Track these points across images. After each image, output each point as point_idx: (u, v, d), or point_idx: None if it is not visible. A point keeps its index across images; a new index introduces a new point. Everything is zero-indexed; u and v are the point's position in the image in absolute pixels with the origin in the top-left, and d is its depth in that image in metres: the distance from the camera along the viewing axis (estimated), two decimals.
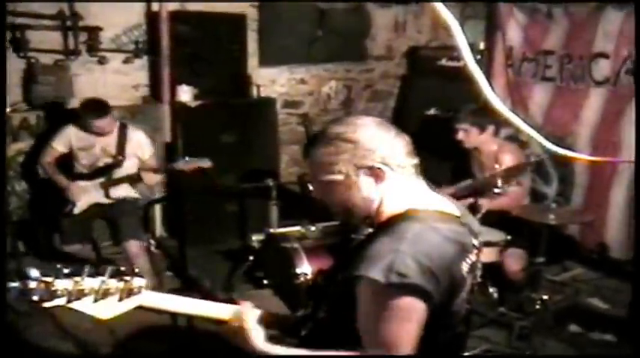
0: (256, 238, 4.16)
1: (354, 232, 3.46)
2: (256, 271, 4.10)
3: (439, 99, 5.40)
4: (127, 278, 1.53)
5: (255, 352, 1.58)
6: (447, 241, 1.51)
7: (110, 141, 4.08)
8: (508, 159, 3.75)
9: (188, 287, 3.91)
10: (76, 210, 3.98)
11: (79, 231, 4.02)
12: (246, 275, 4.17)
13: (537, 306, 3.49)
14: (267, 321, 1.83)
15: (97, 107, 4.00)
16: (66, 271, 1.46)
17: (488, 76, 5.05)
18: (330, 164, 1.60)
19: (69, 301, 1.44)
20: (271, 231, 4.00)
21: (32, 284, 1.42)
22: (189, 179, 3.98)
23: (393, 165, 1.57)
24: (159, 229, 4.97)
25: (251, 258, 4.17)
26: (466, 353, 3.06)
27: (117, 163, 4.08)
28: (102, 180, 4.06)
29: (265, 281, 3.95)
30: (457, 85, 4.88)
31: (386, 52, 6.07)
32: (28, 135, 4.57)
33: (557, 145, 1.72)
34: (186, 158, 3.92)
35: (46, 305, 1.43)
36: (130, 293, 1.52)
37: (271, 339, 1.64)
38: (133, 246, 3.90)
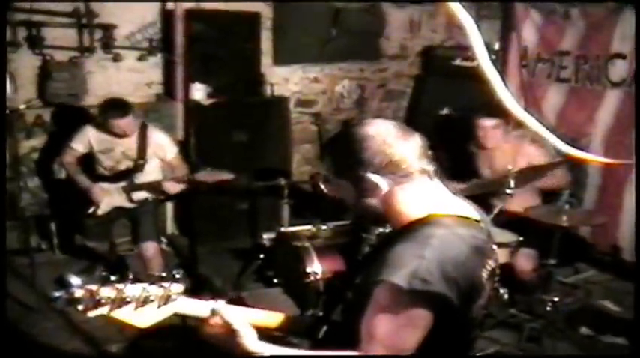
0: (267, 237, 4.16)
1: (365, 232, 3.48)
2: (267, 270, 4.11)
3: (453, 99, 5.38)
4: (166, 284, 1.50)
5: (248, 353, 1.53)
6: (470, 248, 1.50)
7: (131, 144, 4.04)
8: (528, 160, 3.72)
9: (198, 286, 3.93)
10: (100, 212, 4.00)
11: (100, 231, 4.08)
12: (257, 274, 4.18)
13: (548, 308, 3.46)
14: (282, 323, 1.83)
15: (118, 107, 3.96)
16: (112, 278, 1.43)
17: (503, 76, 4.99)
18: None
19: (112, 309, 1.42)
20: (282, 229, 4.00)
21: (78, 293, 1.39)
22: (211, 190, 3.95)
23: (397, 173, 1.56)
24: (170, 227, 4.99)
25: (261, 256, 4.17)
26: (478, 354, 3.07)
27: (138, 167, 4.06)
28: (124, 184, 4.05)
29: (275, 280, 3.94)
30: (471, 85, 4.88)
31: (400, 52, 6.05)
32: (42, 131, 4.62)
33: (571, 147, 1.70)
34: (208, 168, 3.88)
35: (90, 314, 1.40)
36: (167, 299, 1.50)
37: (268, 339, 1.60)
38: (151, 248, 3.90)
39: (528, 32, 5.02)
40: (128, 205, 4.06)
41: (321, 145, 5.36)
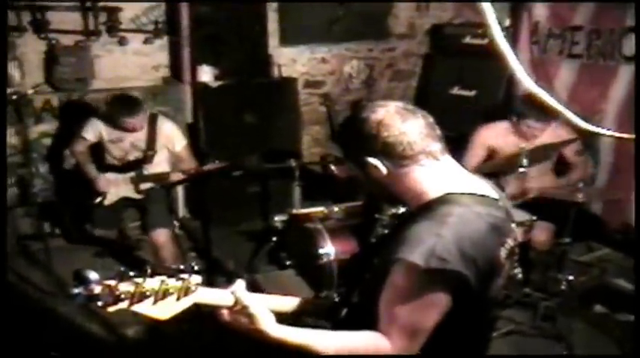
0: (279, 219, 4.16)
1: (378, 212, 3.46)
2: (279, 252, 4.10)
3: (463, 77, 5.32)
4: (185, 276, 1.49)
5: (268, 337, 1.54)
6: (488, 226, 1.49)
7: (140, 136, 4.03)
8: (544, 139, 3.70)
9: (211, 269, 3.93)
10: (106, 202, 3.99)
11: (109, 219, 4.08)
12: (270, 256, 4.18)
13: (562, 287, 3.45)
14: (299, 307, 1.83)
15: (129, 105, 3.94)
16: (131, 273, 1.42)
17: (514, 53, 4.94)
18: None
19: (131, 304, 1.41)
20: (294, 211, 3.99)
21: (97, 290, 1.37)
22: (222, 173, 3.89)
23: (403, 155, 1.56)
24: (182, 210, 4.99)
25: (274, 238, 4.17)
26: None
27: (147, 158, 4.05)
28: (132, 174, 4.04)
29: (288, 262, 3.95)
30: (481, 63, 4.85)
31: (408, 30, 5.97)
32: (51, 116, 4.60)
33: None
34: (216, 161, 3.80)
35: (110, 309, 1.39)
36: (187, 291, 1.49)
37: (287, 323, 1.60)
38: (161, 235, 3.88)
39: (539, 7, 4.94)
40: (135, 196, 4.05)
41: (331, 126, 5.32)
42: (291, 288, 3.58)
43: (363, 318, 1.58)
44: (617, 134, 1.75)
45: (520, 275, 3.64)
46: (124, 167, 4.07)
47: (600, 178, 4.50)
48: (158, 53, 5.00)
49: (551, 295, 3.49)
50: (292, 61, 5.50)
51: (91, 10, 4.59)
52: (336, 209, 3.87)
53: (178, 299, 1.48)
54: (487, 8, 1.26)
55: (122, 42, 4.79)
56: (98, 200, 3.98)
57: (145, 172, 4.06)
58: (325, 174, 4.36)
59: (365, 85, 5.90)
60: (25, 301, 3.71)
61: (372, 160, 1.57)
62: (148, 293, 1.43)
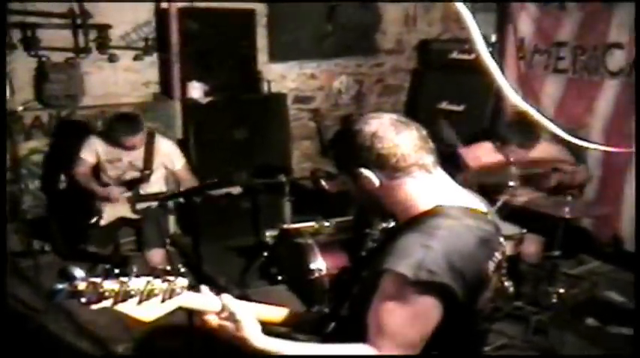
0: (270, 234, 4.16)
1: (368, 227, 3.47)
2: (270, 267, 4.10)
3: (451, 92, 5.38)
4: (171, 278, 1.48)
5: (252, 346, 1.53)
6: (477, 239, 1.50)
7: (138, 155, 4.02)
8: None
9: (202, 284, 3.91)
10: (103, 222, 3.97)
11: (104, 239, 4.05)
12: (261, 272, 4.16)
13: (554, 300, 3.47)
14: (289, 319, 1.83)
15: (130, 123, 3.94)
16: (116, 271, 1.40)
17: (500, 68, 5.00)
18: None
19: (115, 303, 1.39)
20: (285, 226, 4.00)
21: (81, 286, 1.35)
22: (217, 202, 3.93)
23: (396, 167, 1.56)
24: (173, 226, 4.97)
25: (265, 254, 4.17)
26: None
27: (144, 178, 4.04)
28: (129, 194, 4.03)
29: (279, 277, 3.94)
30: (469, 77, 4.90)
31: (396, 46, 6.03)
32: (41, 133, 4.58)
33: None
34: (215, 180, 3.82)
35: (94, 307, 1.37)
36: (172, 293, 1.48)
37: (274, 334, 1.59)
38: (156, 255, 3.88)
39: (524, 24, 5.03)
40: (132, 216, 4.03)
41: (321, 141, 5.34)
42: (282, 303, 3.55)
43: (353, 331, 1.57)
44: (609, 148, 1.78)
45: (511, 289, 3.66)
46: (120, 187, 4.05)
47: (588, 191, 4.55)
48: (148, 70, 5.01)
49: (543, 308, 3.50)
50: (281, 76, 5.53)
51: (81, 28, 4.60)
52: (326, 224, 3.89)
53: (163, 301, 1.46)
54: (471, 23, 1.28)
55: (112, 59, 4.79)
56: (94, 220, 3.95)
57: (142, 191, 4.05)
58: (316, 189, 4.37)
59: (354, 100, 5.94)
60: (15, 318, 3.66)
61: (365, 171, 1.57)
62: (132, 292, 1.41)
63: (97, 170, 4.13)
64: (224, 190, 3.79)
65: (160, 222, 4.10)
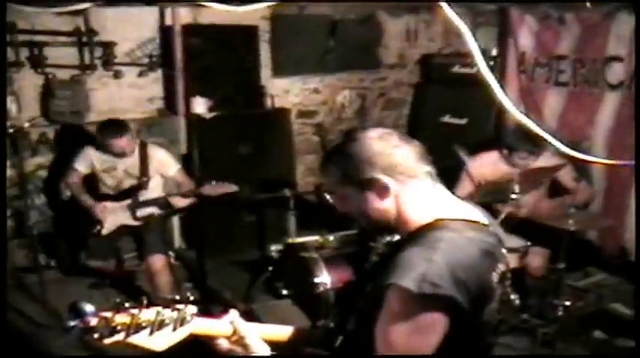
0: (275, 248, 4.17)
1: (373, 240, 3.48)
2: (275, 281, 4.09)
3: (453, 106, 5.41)
4: (180, 306, 1.49)
5: None
6: (479, 251, 1.50)
7: (132, 163, 4.06)
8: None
9: (208, 299, 3.92)
10: (104, 231, 4.00)
11: (106, 249, 4.09)
12: (266, 286, 4.17)
13: (560, 312, 3.46)
14: (296, 337, 1.83)
15: (115, 126, 3.99)
16: (126, 305, 1.41)
17: (501, 82, 5.04)
18: (339, 177, 1.61)
19: (127, 336, 1.39)
20: (290, 240, 4.00)
21: (93, 322, 1.37)
22: (217, 203, 3.95)
23: (404, 172, 1.56)
24: (177, 241, 4.99)
25: (270, 268, 4.17)
26: None
27: (141, 185, 4.07)
28: (128, 202, 4.06)
29: (284, 292, 3.94)
30: (470, 91, 4.93)
31: (399, 61, 6.08)
32: (47, 149, 4.62)
33: (573, 150, 1.72)
34: (213, 182, 3.87)
35: (106, 342, 1.38)
36: (182, 322, 1.48)
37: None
38: (158, 261, 3.89)
39: (525, 37, 5.07)
40: (133, 223, 4.06)
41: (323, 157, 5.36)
42: (287, 318, 3.57)
43: (360, 346, 1.57)
44: (609, 161, 1.80)
45: (517, 302, 3.66)
46: (119, 195, 4.08)
47: (593, 204, 4.56)
48: (152, 86, 5.06)
49: (549, 321, 3.50)
50: (285, 91, 5.57)
51: (87, 45, 4.65)
52: (331, 238, 3.89)
53: (174, 329, 1.47)
54: (470, 37, 1.31)
55: (117, 75, 4.84)
56: (96, 230, 3.98)
57: (141, 199, 4.07)
58: (320, 203, 4.38)
59: (357, 114, 5.97)
60: (20, 334, 3.67)
61: (383, 178, 1.55)
62: (143, 324, 1.42)
63: (92, 181, 4.16)
64: (220, 190, 3.82)
65: (161, 228, 4.13)
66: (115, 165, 4.07)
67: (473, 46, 1.29)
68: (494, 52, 5.34)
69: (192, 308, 1.52)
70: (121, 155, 4.02)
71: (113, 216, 4.03)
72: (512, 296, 3.59)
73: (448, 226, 1.52)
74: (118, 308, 1.41)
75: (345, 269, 3.58)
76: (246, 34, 5.09)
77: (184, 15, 4.83)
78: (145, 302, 1.45)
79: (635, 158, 3.79)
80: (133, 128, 4.12)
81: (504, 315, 3.50)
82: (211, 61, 4.93)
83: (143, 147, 4.11)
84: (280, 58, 5.41)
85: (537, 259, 3.67)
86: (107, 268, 4.18)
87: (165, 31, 4.91)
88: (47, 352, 3.49)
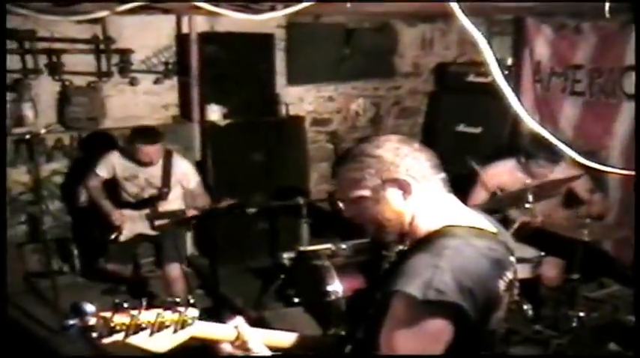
0: (287, 256, 4.16)
1: (385, 249, 3.46)
2: (287, 289, 4.10)
3: (468, 115, 5.39)
4: (182, 309, 1.49)
5: None
6: (485, 258, 1.49)
7: (155, 172, 4.08)
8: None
9: (220, 306, 3.92)
10: (122, 238, 4.03)
11: (123, 255, 4.10)
12: (278, 294, 4.17)
13: (574, 324, 3.42)
14: (304, 344, 1.83)
15: (149, 134, 4.02)
16: (125, 305, 1.41)
17: (517, 91, 5.02)
18: (357, 180, 1.60)
19: (126, 336, 1.40)
20: (302, 249, 4.00)
21: (91, 321, 1.37)
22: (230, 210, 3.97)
23: (418, 177, 1.57)
24: (190, 248, 5.00)
25: (282, 276, 4.17)
26: None
27: (162, 196, 4.09)
28: (147, 211, 4.08)
29: (296, 299, 3.94)
30: (485, 100, 4.92)
31: (413, 69, 6.08)
32: (62, 155, 4.66)
33: (590, 160, 1.70)
34: (227, 199, 3.91)
35: (105, 341, 1.38)
36: (183, 324, 1.48)
37: None
38: (174, 270, 3.92)
39: (541, 47, 5.05)
40: (151, 232, 4.08)
41: (333, 164, 5.36)
42: (299, 326, 3.56)
43: (368, 354, 1.57)
44: (619, 171, 1.78)
45: (530, 312, 3.62)
46: (139, 204, 4.11)
47: (610, 215, 4.50)
48: (168, 93, 5.10)
49: (563, 332, 3.46)
50: (299, 99, 5.59)
51: (104, 53, 4.71)
52: (343, 246, 3.87)
53: (175, 331, 1.47)
54: (486, 48, 1.31)
55: (133, 82, 4.88)
56: (114, 236, 4.01)
57: (160, 209, 4.10)
58: (333, 211, 4.37)
59: (372, 122, 5.98)
60: (33, 339, 3.70)
61: (405, 177, 1.56)
62: (143, 325, 1.42)
63: (113, 186, 4.18)
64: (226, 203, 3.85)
65: (178, 237, 4.15)
66: (136, 173, 4.09)
67: (488, 55, 1.28)
68: (509, 62, 5.33)
69: (193, 311, 1.51)
70: (145, 164, 4.03)
71: (131, 225, 4.06)
72: (525, 307, 3.56)
73: (455, 233, 1.52)
74: (118, 309, 1.40)
75: (357, 277, 3.57)
76: (262, 42, 5.11)
77: (201, 23, 4.86)
78: (144, 303, 1.45)
79: (635, 165, 3.74)
80: (163, 136, 4.13)
81: (517, 326, 3.49)
82: (227, 68, 4.96)
83: (168, 157, 4.12)
84: (295, 66, 5.43)
85: (552, 269, 3.63)
86: (124, 273, 4.19)
87: (182, 39, 4.95)
88: (59, 357, 3.51)
